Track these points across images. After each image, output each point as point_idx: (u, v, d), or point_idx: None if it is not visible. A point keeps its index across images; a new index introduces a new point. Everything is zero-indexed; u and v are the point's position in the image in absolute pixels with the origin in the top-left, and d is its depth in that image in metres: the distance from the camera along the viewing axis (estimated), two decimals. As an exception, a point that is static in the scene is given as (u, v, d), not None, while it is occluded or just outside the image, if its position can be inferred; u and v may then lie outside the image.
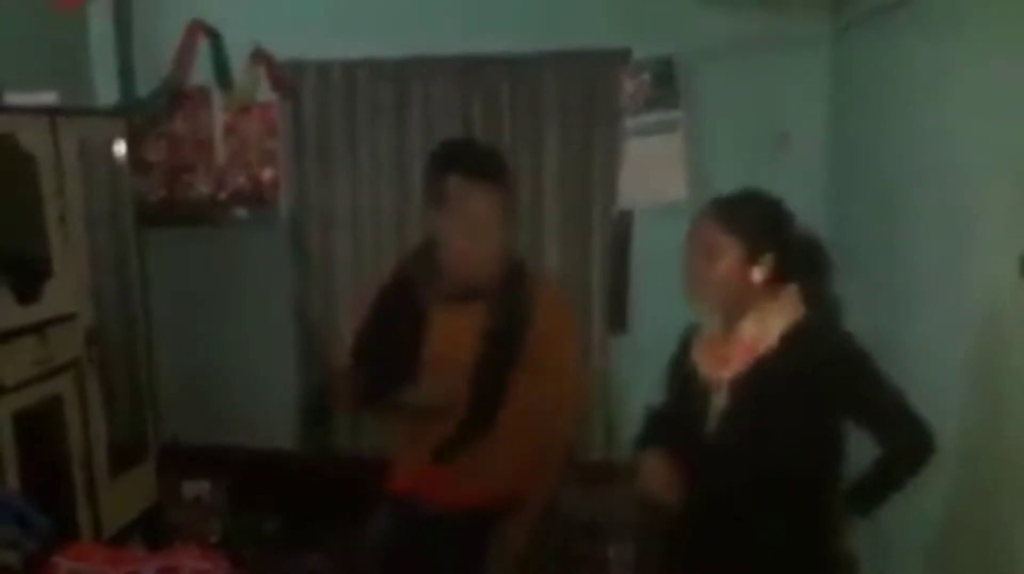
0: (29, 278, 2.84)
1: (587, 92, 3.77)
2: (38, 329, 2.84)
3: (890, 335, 2.58)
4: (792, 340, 1.75)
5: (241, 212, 3.99)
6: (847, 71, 3.50)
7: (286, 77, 3.83)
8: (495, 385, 2.02)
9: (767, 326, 1.77)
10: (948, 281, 2.36)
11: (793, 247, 1.82)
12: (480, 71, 3.81)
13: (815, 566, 1.82)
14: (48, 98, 3.02)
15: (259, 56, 3.68)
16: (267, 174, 4.03)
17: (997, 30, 2.09)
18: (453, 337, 2.00)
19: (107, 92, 3.89)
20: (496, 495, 2.07)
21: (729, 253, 1.77)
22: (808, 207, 3.82)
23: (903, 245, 2.74)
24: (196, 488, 3.90)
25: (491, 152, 2.08)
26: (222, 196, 4.02)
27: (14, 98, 2.90)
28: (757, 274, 1.78)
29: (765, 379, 1.76)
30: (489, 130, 3.83)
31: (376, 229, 3.96)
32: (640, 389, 3.99)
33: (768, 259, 1.78)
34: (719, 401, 1.80)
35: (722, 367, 1.81)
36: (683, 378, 1.91)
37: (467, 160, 1.99)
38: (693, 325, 1.95)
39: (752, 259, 1.78)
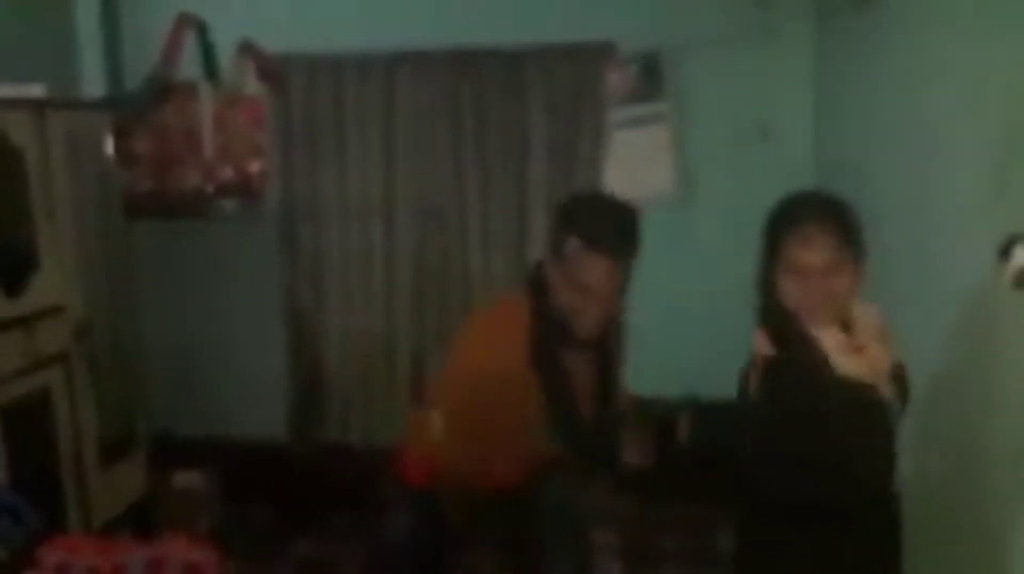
0: (16, 271, 2.84)
1: (573, 85, 3.79)
2: (25, 322, 2.84)
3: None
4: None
5: (229, 204, 4.00)
6: (830, 64, 3.54)
7: (274, 70, 3.84)
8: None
9: (870, 312, 1.80)
10: (927, 268, 2.41)
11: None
12: (467, 65, 3.83)
13: None
14: (35, 91, 3.01)
15: (247, 49, 3.69)
16: (255, 167, 4.03)
17: (976, 22, 2.12)
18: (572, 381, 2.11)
19: (95, 85, 3.89)
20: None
21: (850, 265, 1.76)
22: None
23: (885, 233, 2.76)
24: (186, 479, 3.91)
25: (617, 217, 2.00)
26: (210, 189, 4.02)
27: (1, 91, 2.89)
28: (861, 274, 1.79)
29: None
30: (476, 123, 3.86)
31: (364, 221, 3.98)
32: (626, 379, 4.05)
33: (865, 262, 1.80)
34: (887, 392, 1.73)
35: (881, 359, 1.75)
36: (829, 403, 1.74)
37: (587, 225, 1.95)
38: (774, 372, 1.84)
39: (860, 265, 1.78)
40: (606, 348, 2.20)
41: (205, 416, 4.16)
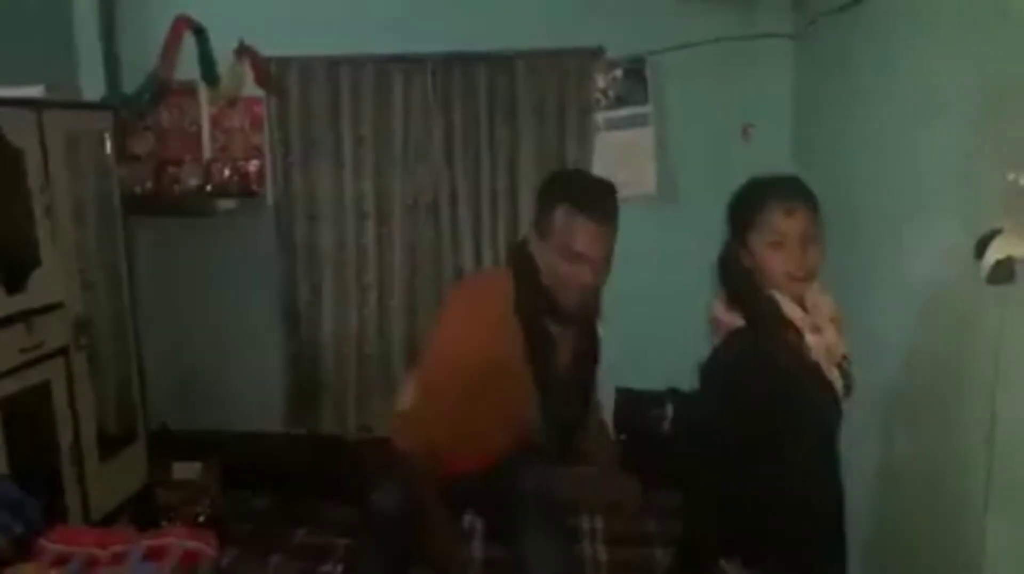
0: (16, 268, 2.88)
1: (561, 88, 3.87)
2: (25, 318, 2.88)
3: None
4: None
5: (227, 203, 4.04)
6: (810, 67, 3.59)
7: (270, 72, 3.89)
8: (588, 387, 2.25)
9: (824, 296, 1.89)
10: (903, 266, 2.46)
11: None
12: (458, 68, 3.89)
13: None
14: (35, 91, 3.04)
15: (244, 52, 3.74)
16: (253, 166, 4.08)
17: (949, 29, 2.17)
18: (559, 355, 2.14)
19: (94, 87, 3.94)
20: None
21: (821, 236, 1.85)
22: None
23: (861, 232, 2.82)
24: (186, 470, 3.96)
25: (599, 184, 2.08)
26: (209, 188, 4.07)
27: (0, 91, 2.92)
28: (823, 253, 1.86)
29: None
30: (467, 125, 3.92)
31: (358, 220, 4.05)
32: (611, 379, 4.09)
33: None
34: (835, 379, 1.83)
35: (836, 345, 1.85)
36: (795, 381, 1.80)
37: (573, 192, 2.01)
38: (740, 339, 1.85)
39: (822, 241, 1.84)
40: (589, 332, 2.22)
41: (204, 410, 4.22)
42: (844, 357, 1.86)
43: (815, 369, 1.81)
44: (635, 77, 3.74)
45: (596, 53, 3.80)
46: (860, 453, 2.81)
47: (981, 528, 1.90)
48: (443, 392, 2.11)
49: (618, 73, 3.76)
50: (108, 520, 3.26)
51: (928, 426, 2.24)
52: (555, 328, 2.11)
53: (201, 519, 3.48)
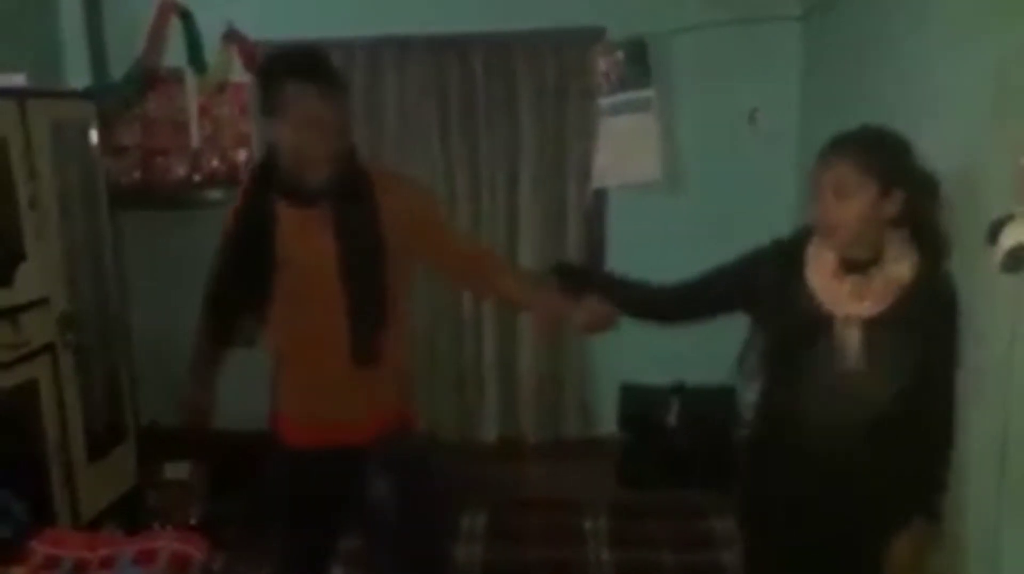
0: (1, 263, 2.83)
1: (561, 71, 3.81)
2: (11, 314, 2.83)
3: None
4: (924, 288, 1.79)
5: (216, 194, 3.98)
6: (816, 50, 3.55)
7: (259, 57, 3.81)
8: (370, 278, 2.04)
9: (902, 269, 1.79)
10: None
11: (917, 184, 1.81)
12: (454, 51, 3.82)
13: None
14: (18, 80, 2.99)
15: (231, 36, 3.66)
16: (242, 155, 4.02)
17: (962, 10, 2.13)
18: (304, 238, 2.03)
19: (79, 75, 3.86)
20: (357, 434, 2.13)
21: (864, 191, 1.77)
22: (778, 182, 3.92)
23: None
24: (176, 470, 3.91)
25: (319, 57, 2.06)
26: (197, 178, 4.00)
27: (-18, 81, 2.87)
28: (888, 212, 1.78)
29: (902, 320, 1.78)
30: (464, 109, 3.86)
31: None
32: (614, 367, 4.06)
33: (899, 197, 1.78)
34: (851, 337, 1.79)
35: (855, 303, 1.80)
36: (792, 306, 1.87)
37: (297, 66, 1.99)
38: (784, 246, 1.94)
39: (885, 197, 1.78)
40: (357, 203, 2.06)
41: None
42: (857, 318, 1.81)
43: (805, 305, 1.84)
44: (637, 60, 3.67)
45: (597, 33, 3.73)
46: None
47: (997, 523, 1.86)
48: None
49: (620, 56, 3.69)
50: (97, 521, 3.21)
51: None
52: (305, 210, 2.03)
53: (192, 522, 3.42)
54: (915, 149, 1.83)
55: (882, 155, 1.79)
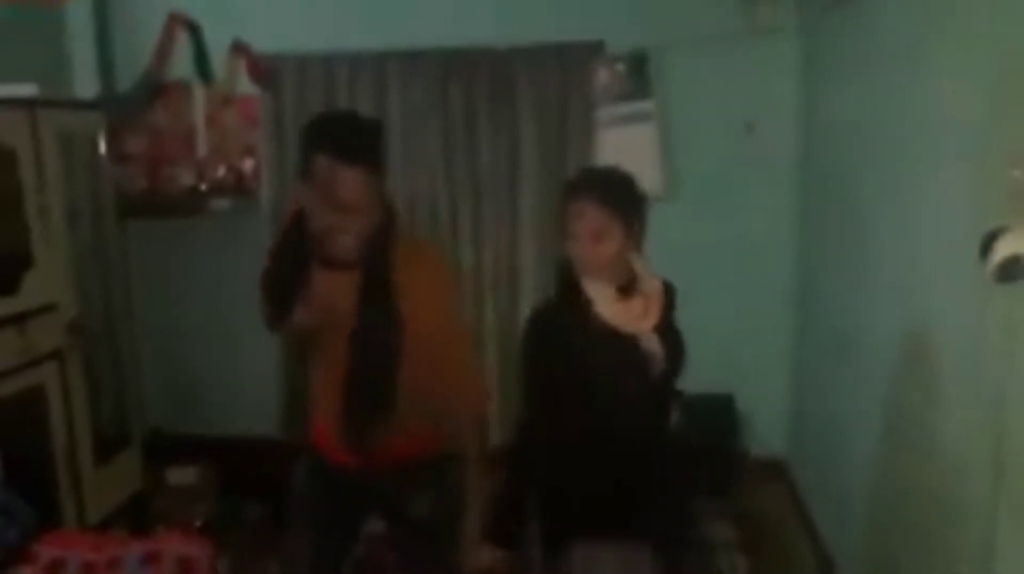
0: (9, 269, 2.86)
1: (562, 84, 3.83)
2: (19, 320, 2.86)
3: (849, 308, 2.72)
4: (667, 290, 2.10)
5: (222, 203, 4.01)
6: (814, 61, 3.58)
7: (265, 69, 3.86)
8: (381, 349, 2.02)
9: (654, 280, 2.08)
10: (910, 260, 2.43)
11: (644, 211, 2.09)
12: (457, 64, 3.86)
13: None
14: (27, 90, 3.03)
15: (239, 49, 3.71)
16: (248, 165, 4.05)
17: (958, 22, 2.14)
18: (332, 295, 2.01)
19: (87, 86, 3.91)
20: (391, 457, 2.11)
21: (617, 231, 2.00)
22: (775, 193, 3.95)
23: (868, 226, 2.82)
24: (181, 475, 3.94)
25: (363, 131, 1.99)
26: (203, 187, 4.04)
27: (-8, 91, 2.91)
28: (636, 245, 2.06)
29: (668, 325, 2.07)
30: (467, 122, 3.89)
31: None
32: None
33: (639, 227, 2.06)
34: (653, 348, 2.02)
35: (643, 319, 2.03)
36: (586, 343, 2.04)
37: (334, 140, 1.91)
38: (555, 300, 2.16)
39: (630, 230, 2.03)
40: (376, 273, 2.04)
41: (199, 414, 4.19)
42: (671, 329, 2.08)
43: (605, 333, 2.03)
44: (638, 72, 3.70)
45: (598, 47, 3.77)
46: (863, 454, 2.80)
47: (992, 529, 1.88)
48: None
49: (620, 68, 3.72)
50: (104, 525, 3.23)
51: (937, 428, 2.22)
52: (324, 274, 2.02)
53: (197, 524, 3.45)
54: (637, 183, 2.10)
55: (626, 197, 2.05)
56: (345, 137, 1.93)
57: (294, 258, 2.04)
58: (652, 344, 2.01)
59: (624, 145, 3.75)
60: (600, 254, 2.00)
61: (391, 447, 2.09)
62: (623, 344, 2.02)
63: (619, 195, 2.03)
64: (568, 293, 2.09)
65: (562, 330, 2.08)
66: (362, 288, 2.01)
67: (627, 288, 2.05)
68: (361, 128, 1.99)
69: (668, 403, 2.19)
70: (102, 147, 3.42)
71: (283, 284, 2.07)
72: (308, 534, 2.26)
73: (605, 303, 2.04)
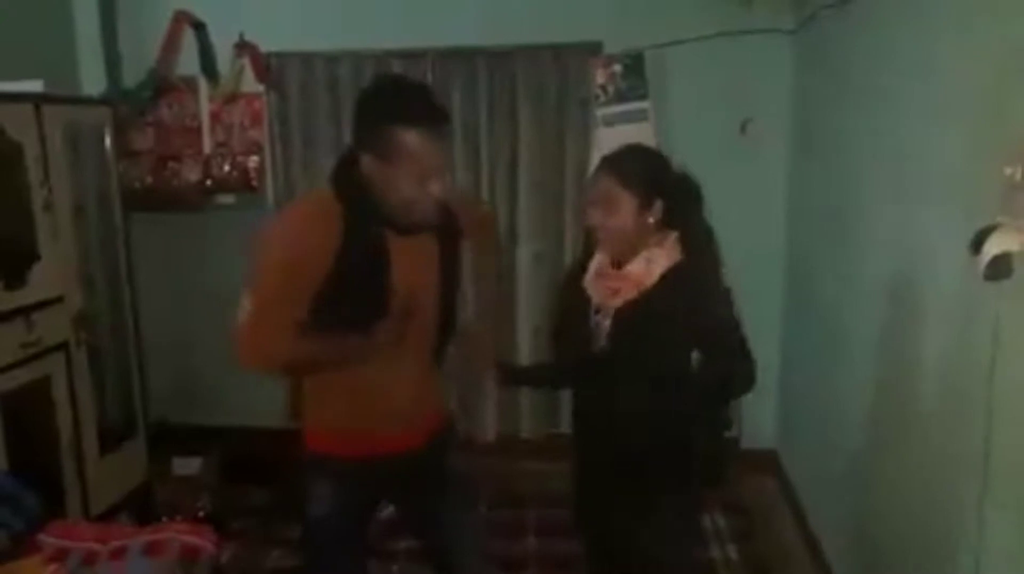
0: (15, 263, 2.90)
1: (560, 83, 3.87)
2: (25, 313, 2.90)
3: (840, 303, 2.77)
4: (669, 280, 2.03)
5: (227, 198, 4.05)
6: (809, 62, 3.59)
7: (270, 67, 3.89)
8: (456, 298, 2.15)
9: (651, 267, 2.05)
10: (904, 257, 2.45)
11: (675, 190, 2.08)
12: (458, 63, 3.89)
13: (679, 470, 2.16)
14: (34, 86, 3.06)
15: (244, 47, 3.74)
16: (252, 162, 4.09)
17: (951, 21, 2.16)
18: (412, 266, 1.99)
19: (94, 82, 3.95)
20: (432, 427, 2.17)
21: (625, 205, 2.03)
22: (770, 191, 3.96)
23: (864, 224, 2.83)
24: (186, 465, 3.98)
25: (432, 99, 1.93)
26: (208, 183, 4.07)
27: (0, 86, 2.94)
28: (650, 219, 2.05)
29: (643, 311, 2.04)
30: (467, 120, 3.92)
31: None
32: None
33: (658, 206, 2.04)
34: (606, 324, 2.08)
35: (612, 297, 2.08)
36: (574, 302, 2.18)
37: (422, 112, 1.88)
38: (578, 258, 2.30)
39: (645, 207, 2.03)
40: (451, 233, 2.09)
41: (203, 405, 4.22)
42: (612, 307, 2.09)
43: (583, 300, 2.15)
44: (634, 72, 3.73)
45: (595, 48, 3.80)
46: (852, 446, 2.82)
47: (979, 523, 1.90)
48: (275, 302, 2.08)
49: (617, 68, 3.75)
50: (108, 515, 3.27)
51: (925, 421, 2.24)
52: (398, 241, 1.97)
53: (201, 514, 3.48)
54: (672, 162, 2.14)
55: (641, 171, 2.06)
56: (430, 106, 1.90)
57: (365, 286, 1.97)
58: (603, 321, 2.08)
59: (621, 144, 3.77)
60: (607, 225, 2.05)
61: (432, 420, 2.18)
62: (588, 313, 2.12)
63: (632, 168, 2.05)
64: (583, 258, 2.22)
65: (565, 290, 2.27)
66: (442, 245, 2.07)
67: (623, 264, 2.08)
68: (431, 93, 1.97)
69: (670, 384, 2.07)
70: (108, 142, 3.45)
71: (357, 316, 1.98)
72: (341, 560, 2.18)
73: (592, 273, 2.15)
